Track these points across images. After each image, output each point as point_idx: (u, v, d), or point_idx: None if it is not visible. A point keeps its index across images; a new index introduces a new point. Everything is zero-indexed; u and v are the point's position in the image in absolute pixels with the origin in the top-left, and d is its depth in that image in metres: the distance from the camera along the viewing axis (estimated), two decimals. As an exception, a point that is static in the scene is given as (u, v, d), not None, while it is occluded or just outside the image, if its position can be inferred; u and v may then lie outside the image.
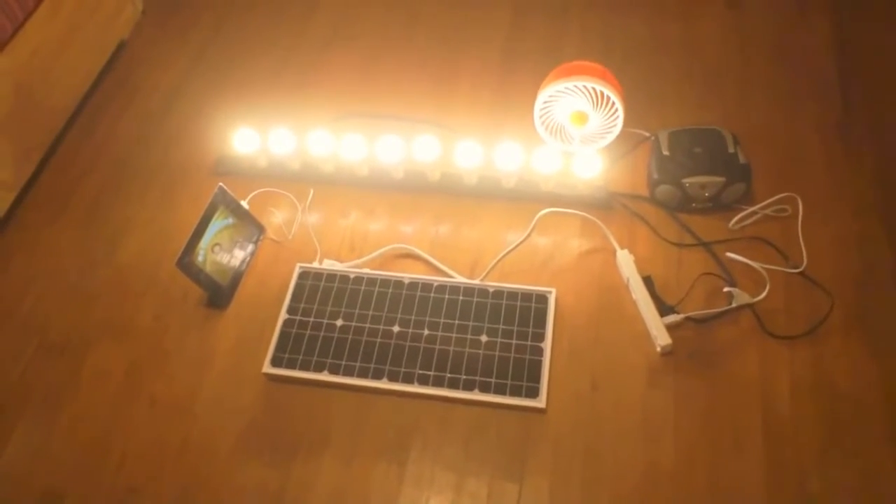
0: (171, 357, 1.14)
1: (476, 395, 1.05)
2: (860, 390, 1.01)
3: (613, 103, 1.18)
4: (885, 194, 1.18)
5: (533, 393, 1.04)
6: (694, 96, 1.35)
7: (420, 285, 1.15)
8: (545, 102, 1.21)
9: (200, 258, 1.15)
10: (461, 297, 1.13)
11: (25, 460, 1.06)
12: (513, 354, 1.07)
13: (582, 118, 1.20)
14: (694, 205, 1.18)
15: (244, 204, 1.24)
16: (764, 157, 1.23)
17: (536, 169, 1.21)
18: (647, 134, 1.28)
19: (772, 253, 1.14)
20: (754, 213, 1.17)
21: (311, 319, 1.14)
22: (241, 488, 1.02)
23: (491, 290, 1.13)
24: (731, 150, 1.17)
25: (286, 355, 1.11)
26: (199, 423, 1.08)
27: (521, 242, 1.19)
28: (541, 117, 1.23)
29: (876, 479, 0.95)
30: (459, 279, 1.16)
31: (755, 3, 1.48)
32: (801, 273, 1.11)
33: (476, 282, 1.15)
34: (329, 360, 1.09)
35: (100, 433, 1.08)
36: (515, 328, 1.10)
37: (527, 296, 1.12)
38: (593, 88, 1.16)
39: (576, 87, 1.17)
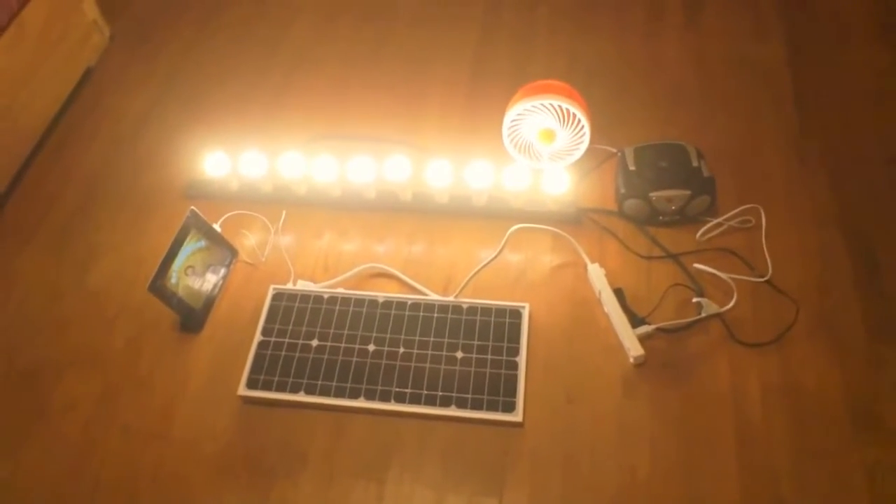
0: (145, 383, 1.13)
1: (453, 412, 1.05)
2: (826, 394, 1.03)
3: (580, 120, 1.21)
4: (841, 205, 1.22)
5: (509, 407, 1.05)
6: (658, 113, 1.39)
7: (394, 304, 1.16)
8: (513, 121, 1.23)
9: (173, 281, 1.14)
10: (436, 315, 1.14)
11: (-7, 494, 1.04)
12: (488, 370, 1.08)
13: (549, 135, 1.23)
14: (661, 218, 1.21)
15: (216, 227, 1.23)
16: (727, 171, 1.27)
17: (506, 186, 1.23)
18: (614, 150, 1.31)
19: (738, 263, 1.17)
20: (719, 224, 1.20)
21: (287, 340, 1.13)
22: (218, 514, 1.01)
23: (465, 306, 1.14)
24: (695, 163, 1.21)
25: (262, 377, 1.10)
26: (173, 449, 1.06)
27: (493, 259, 1.20)
28: (509, 135, 1.25)
29: (844, 480, 0.97)
30: (433, 296, 1.16)
31: (712, 23, 1.53)
32: (766, 282, 1.14)
33: (450, 299, 1.16)
34: (305, 381, 1.09)
35: (70, 463, 1.06)
36: (490, 343, 1.11)
37: (500, 311, 1.14)
38: (560, 106, 1.19)
39: (542, 105, 1.19)
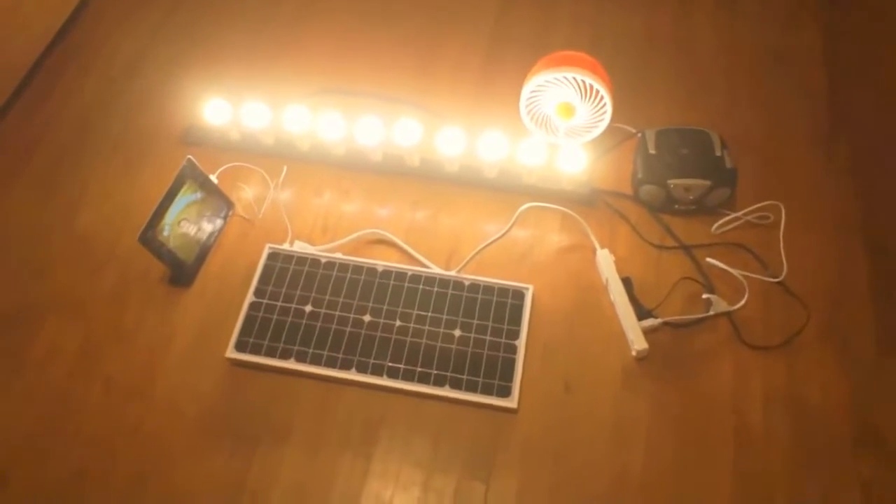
0: (130, 336, 1.09)
1: (446, 392, 1.02)
2: (830, 404, 1.01)
3: (602, 97, 1.15)
4: (865, 210, 1.17)
5: (505, 392, 1.02)
6: (682, 95, 1.33)
7: (394, 274, 1.11)
8: (532, 92, 1.17)
9: (165, 233, 1.09)
10: (436, 289, 1.10)
11: (-32, 439, 1.01)
12: (486, 351, 1.05)
13: (569, 110, 1.17)
14: (677, 206, 1.17)
15: (213, 178, 1.18)
16: (749, 163, 1.21)
17: (520, 160, 1.17)
18: (634, 130, 1.26)
19: (751, 261, 1.13)
20: (737, 218, 1.16)
21: (279, 304, 1.09)
22: (199, 477, 0.98)
23: (466, 283, 1.10)
24: (718, 153, 1.15)
25: (251, 340, 1.06)
26: (155, 408, 1.03)
27: (504, 234, 1.15)
28: (527, 107, 1.19)
29: (839, 494, 0.95)
30: (435, 270, 1.12)
31: (746, 5, 1.45)
32: (779, 283, 1.10)
33: (452, 273, 1.11)
34: (296, 348, 1.05)
35: (49, 414, 1.03)
36: (490, 324, 1.07)
37: (503, 291, 1.10)
38: (583, 80, 1.13)
39: (565, 77, 1.13)
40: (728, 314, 1.07)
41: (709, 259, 1.12)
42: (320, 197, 1.22)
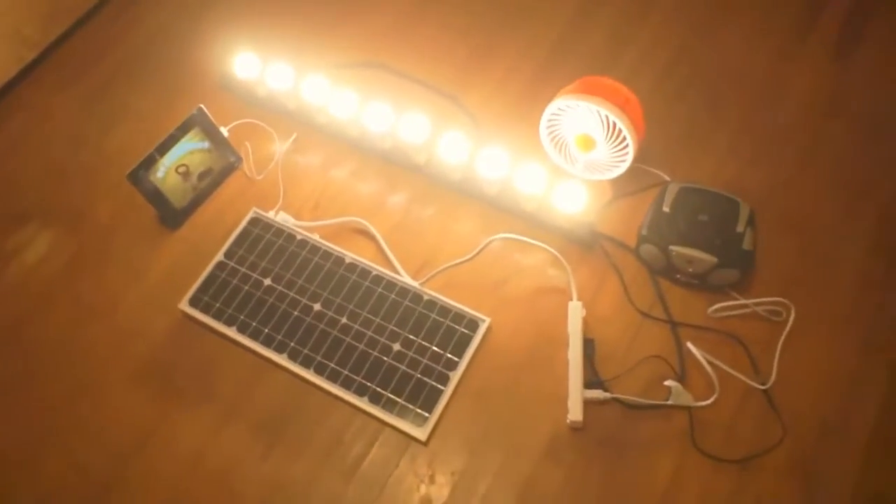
0: (110, 262, 1.14)
1: (363, 404, 0.98)
2: (769, 546, 0.88)
3: (625, 138, 1.03)
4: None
5: (419, 421, 0.97)
6: (744, 152, 1.16)
7: (359, 269, 1.08)
8: (553, 114, 1.07)
9: (159, 175, 1.12)
10: (393, 296, 1.06)
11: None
12: (417, 374, 1.00)
13: (587, 143, 1.07)
14: (678, 276, 1.04)
15: (224, 131, 1.19)
16: (787, 249, 1.05)
17: (519, 186, 1.09)
18: (668, 179, 1.12)
19: (743, 358, 0.99)
20: (744, 306, 1.01)
21: (243, 270, 1.10)
22: (120, 412, 1.02)
23: (425, 297, 1.05)
24: (739, 229, 1.00)
25: (205, 298, 1.08)
26: (108, 335, 1.08)
27: (472, 258, 1.08)
28: (548, 128, 1.10)
29: None
30: (400, 275, 1.07)
31: (865, 64, 1.23)
32: (763, 391, 0.96)
33: (414, 284, 1.06)
34: (241, 317, 1.06)
35: (18, 315, 1.10)
36: (432, 347, 1.02)
37: (458, 317, 1.03)
38: (606, 116, 1.02)
39: (588, 108, 1.03)
40: (689, 409, 0.95)
41: (689, 344, 0.99)
42: (324, 173, 1.20)
